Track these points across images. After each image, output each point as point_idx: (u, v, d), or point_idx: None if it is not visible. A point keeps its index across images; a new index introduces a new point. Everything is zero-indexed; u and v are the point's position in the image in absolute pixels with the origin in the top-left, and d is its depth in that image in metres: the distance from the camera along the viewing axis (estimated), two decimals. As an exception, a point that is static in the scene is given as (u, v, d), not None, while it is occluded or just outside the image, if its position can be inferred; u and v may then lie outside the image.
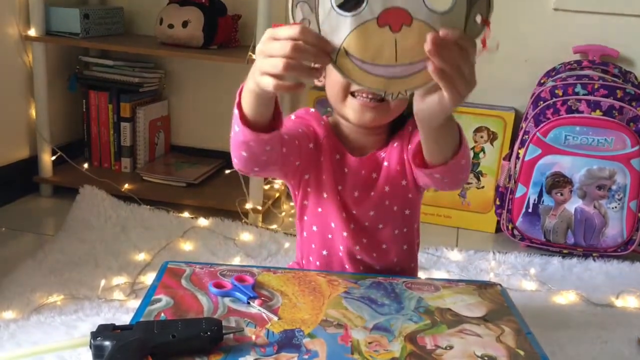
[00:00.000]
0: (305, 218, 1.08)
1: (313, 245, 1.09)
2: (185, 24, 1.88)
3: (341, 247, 1.06)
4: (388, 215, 1.05)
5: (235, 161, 0.91)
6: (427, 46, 0.62)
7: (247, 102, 0.80)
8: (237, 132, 0.84)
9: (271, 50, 0.67)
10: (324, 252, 1.08)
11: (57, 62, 2.08)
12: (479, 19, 0.65)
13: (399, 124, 1.02)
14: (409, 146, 0.98)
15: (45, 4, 1.89)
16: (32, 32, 1.88)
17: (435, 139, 0.84)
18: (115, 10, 2.11)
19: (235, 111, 0.82)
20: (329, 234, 1.07)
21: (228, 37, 2.00)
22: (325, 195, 1.04)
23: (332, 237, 1.07)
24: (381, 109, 0.95)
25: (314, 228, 1.08)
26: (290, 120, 1.03)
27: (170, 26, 1.89)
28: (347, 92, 0.96)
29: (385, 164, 1.02)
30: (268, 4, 1.73)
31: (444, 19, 0.62)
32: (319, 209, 1.05)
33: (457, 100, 0.67)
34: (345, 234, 1.04)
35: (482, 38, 0.67)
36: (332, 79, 0.96)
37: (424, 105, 0.72)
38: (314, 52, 0.65)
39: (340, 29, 0.64)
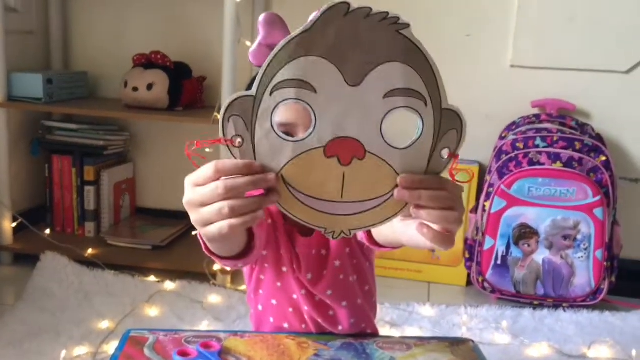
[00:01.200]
0: (261, 292, 1.04)
1: (271, 319, 1.04)
2: (150, 87, 1.88)
3: (305, 321, 1.03)
4: (348, 290, 1.01)
5: None
6: (398, 195, 0.56)
7: (211, 244, 0.70)
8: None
9: (202, 198, 0.58)
10: (285, 325, 1.04)
11: (19, 127, 2.06)
12: (445, 153, 0.58)
13: None
14: None
15: (8, 69, 1.87)
16: (-7, 98, 1.87)
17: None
18: (79, 74, 2.11)
19: (201, 241, 0.72)
20: (289, 307, 1.03)
21: (193, 99, 2.01)
22: (284, 269, 0.99)
23: (293, 311, 1.03)
24: None
25: (273, 302, 1.03)
26: None
27: (135, 89, 1.89)
28: None
29: None
30: (233, 66, 1.75)
31: (404, 153, 0.55)
32: (278, 284, 1.01)
33: (445, 242, 0.59)
34: (306, 307, 1.01)
35: (449, 169, 0.59)
36: None
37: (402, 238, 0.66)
38: (247, 181, 0.56)
39: (279, 153, 0.55)
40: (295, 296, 1.01)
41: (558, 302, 1.79)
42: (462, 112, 0.58)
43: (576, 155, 1.72)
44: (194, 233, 2.06)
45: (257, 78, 0.54)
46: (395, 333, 1.56)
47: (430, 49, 2.17)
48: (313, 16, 0.52)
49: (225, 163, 0.57)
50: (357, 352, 0.94)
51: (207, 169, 0.58)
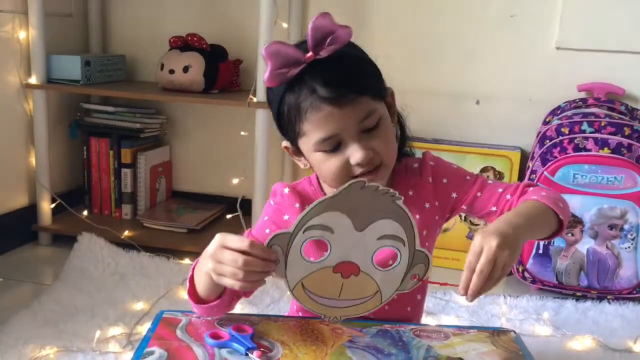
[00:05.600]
0: None
1: None
2: (186, 69, 1.88)
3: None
4: None
5: None
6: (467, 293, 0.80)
7: (202, 282, 0.88)
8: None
9: (222, 259, 0.78)
10: None
11: (58, 110, 2.08)
12: (412, 277, 0.82)
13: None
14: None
15: (47, 52, 1.89)
16: (33, 80, 1.88)
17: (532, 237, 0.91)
18: (117, 57, 2.11)
19: (187, 284, 0.91)
20: None
21: (229, 82, 1.99)
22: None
23: None
24: (380, 175, 0.92)
25: None
26: (262, 230, 1.01)
27: (171, 71, 1.89)
28: (348, 175, 0.91)
29: None
30: (268, 48, 1.72)
31: (385, 274, 0.80)
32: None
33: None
34: None
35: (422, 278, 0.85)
36: (329, 165, 0.91)
37: None
38: (261, 265, 0.77)
39: (303, 270, 0.80)
40: None
41: (602, 294, 1.72)
42: (430, 254, 0.83)
43: (625, 141, 1.64)
44: (228, 216, 2.05)
45: (295, 222, 0.78)
46: (431, 321, 1.52)
47: (474, 30, 2.13)
48: (340, 188, 0.77)
49: (257, 247, 0.77)
50: (393, 340, 0.91)
51: (242, 242, 0.78)
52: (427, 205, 0.97)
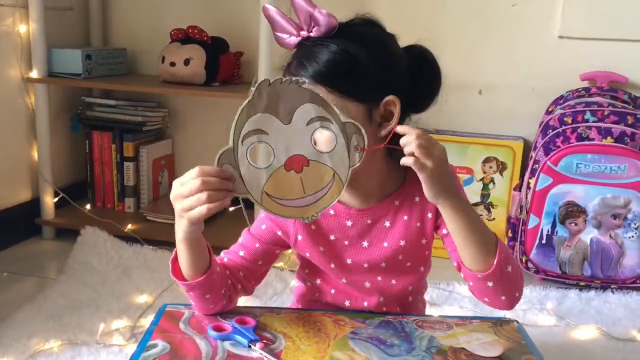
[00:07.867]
0: (306, 271, 1.05)
1: (317, 294, 1.05)
2: (187, 62, 1.87)
3: (347, 303, 1.03)
4: (400, 269, 1.00)
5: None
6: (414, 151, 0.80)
7: (184, 257, 0.89)
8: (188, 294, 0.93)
9: (184, 191, 0.80)
10: (323, 303, 1.05)
11: (60, 104, 2.08)
12: (356, 149, 0.82)
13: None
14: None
15: (48, 45, 1.88)
16: (34, 74, 1.88)
17: (463, 241, 0.88)
18: (118, 50, 2.11)
19: (170, 266, 0.92)
20: (332, 289, 1.04)
21: (230, 74, 1.99)
22: (322, 267, 1.01)
23: (335, 292, 1.03)
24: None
25: (318, 281, 1.04)
26: (258, 227, 1.01)
27: (172, 64, 1.88)
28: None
29: (405, 217, 0.96)
30: (269, 41, 1.71)
31: (331, 155, 0.82)
32: (332, 264, 1.01)
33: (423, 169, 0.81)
34: (347, 303, 1.02)
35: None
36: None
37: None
38: (218, 182, 0.80)
39: (259, 178, 0.82)
40: (344, 280, 1.01)
41: (606, 283, 1.72)
42: (361, 125, 0.82)
43: (628, 130, 1.64)
44: (231, 209, 2.05)
45: (230, 136, 0.81)
46: (435, 312, 1.52)
47: (475, 19, 2.12)
48: (252, 91, 0.79)
49: (207, 168, 0.81)
50: (396, 331, 0.91)
51: (192, 171, 0.80)
52: (429, 215, 0.96)
